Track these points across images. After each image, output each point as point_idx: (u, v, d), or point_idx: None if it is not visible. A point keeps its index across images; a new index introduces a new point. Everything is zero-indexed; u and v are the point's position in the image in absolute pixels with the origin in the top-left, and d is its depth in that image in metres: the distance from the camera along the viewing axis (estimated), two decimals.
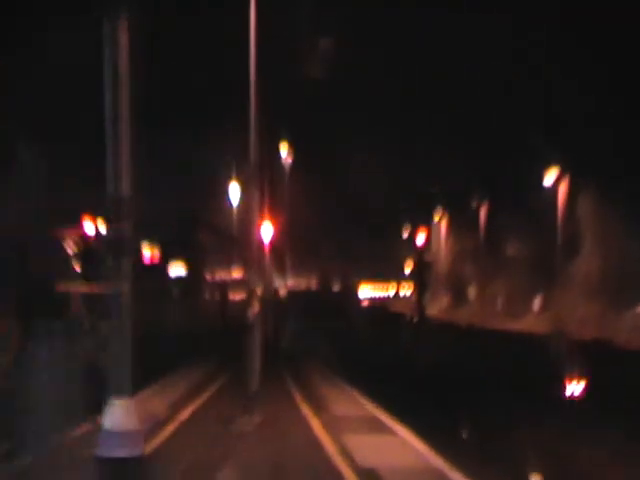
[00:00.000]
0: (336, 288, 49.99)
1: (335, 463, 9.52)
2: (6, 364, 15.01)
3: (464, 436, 13.50)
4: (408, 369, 22.03)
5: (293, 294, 44.14)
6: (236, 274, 39.53)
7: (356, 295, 49.58)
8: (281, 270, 48.26)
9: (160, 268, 34.63)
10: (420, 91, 40.40)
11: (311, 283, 52.85)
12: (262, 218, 27.61)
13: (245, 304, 13.00)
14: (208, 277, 42.64)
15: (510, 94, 35.15)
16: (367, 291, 52.89)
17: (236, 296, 35.58)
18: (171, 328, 27.85)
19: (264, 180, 26.61)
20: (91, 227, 26.16)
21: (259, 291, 15.36)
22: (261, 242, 27.17)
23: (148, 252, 34.05)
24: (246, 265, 14.00)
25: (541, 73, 32.78)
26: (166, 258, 35.96)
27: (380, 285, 53.82)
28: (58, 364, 12.79)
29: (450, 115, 40.42)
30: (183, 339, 24.62)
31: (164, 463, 9.06)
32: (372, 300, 52.52)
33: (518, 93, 34.74)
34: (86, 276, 24.66)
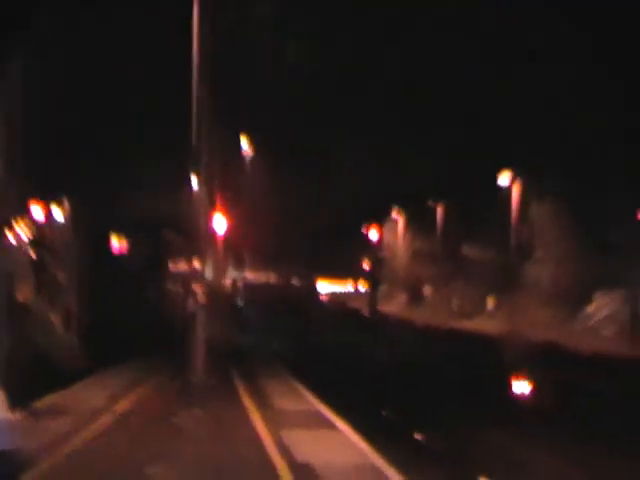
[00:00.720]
0: (296, 283, 49.92)
1: (271, 458, 9.37)
2: None
3: (405, 433, 13.44)
4: (359, 365, 22.00)
5: (251, 287, 43.90)
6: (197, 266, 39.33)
7: (315, 290, 49.55)
8: (240, 263, 47.99)
9: (127, 258, 34.52)
10: (382, 90, 40.58)
11: (271, 277, 52.71)
12: (213, 210, 27.38)
13: (186, 294, 12.70)
14: (172, 268, 42.40)
15: (470, 100, 35.54)
16: (327, 286, 52.99)
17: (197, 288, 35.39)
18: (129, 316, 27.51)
19: (212, 171, 26.39)
20: (39, 212, 25.66)
21: (205, 282, 15.14)
22: (211, 233, 26.91)
23: (116, 242, 34.14)
24: (192, 256, 13.70)
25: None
26: (133, 249, 35.92)
27: (339, 281, 53.94)
28: None
29: (409, 116, 40.68)
30: (139, 328, 24.29)
31: (91, 458, 8.85)
32: (331, 295, 52.67)
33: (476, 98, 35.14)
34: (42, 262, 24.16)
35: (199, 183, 14.91)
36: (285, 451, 9.73)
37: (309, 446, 10.08)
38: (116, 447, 9.52)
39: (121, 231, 34.28)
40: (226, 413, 12.33)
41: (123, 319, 26.93)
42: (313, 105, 42.22)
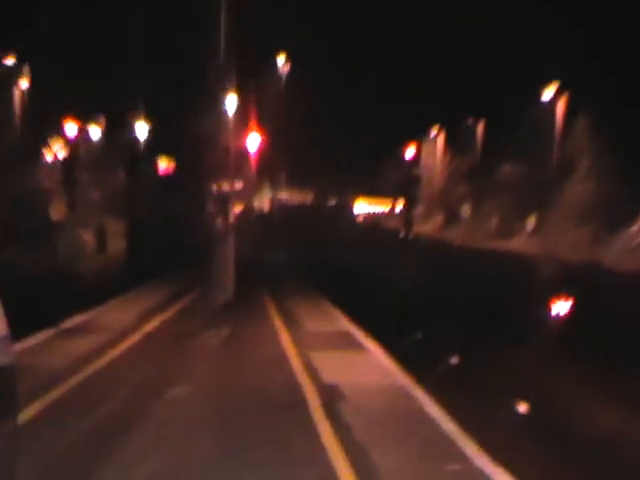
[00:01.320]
0: (332, 203, 49.57)
1: (298, 379, 9.24)
2: None
3: (436, 356, 13.23)
4: (392, 286, 21.76)
5: (285, 207, 43.67)
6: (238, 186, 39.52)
7: (351, 210, 49.17)
8: (276, 183, 47.73)
9: (173, 178, 34.97)
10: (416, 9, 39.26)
11: (307, 198, 52.42)
12: (247, 128, 26.95)
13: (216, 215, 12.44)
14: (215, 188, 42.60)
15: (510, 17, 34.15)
16: (363, 207, 52.50)
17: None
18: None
19: (246, 89, 25.82)
20: (73, 129, 25.58)
21: (238, 203, 14.85)
22: (244, 152, 26.55)
23: (164, 164, 34.53)
24: (219, 175, 13.38)
25: None
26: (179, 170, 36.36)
27: (376, 201, 53.41)
28: None
29: (447, 32, 39.32)
30: (175, 248, 24.36)
31: (117, 378, 8.80)
32: (367, 216, 52.23)
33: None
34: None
35: (223, 101, 14.42)
36: (312, 372, 9.59)
37: (337, 367, 9.93)
38: (140, 368, 9.47)
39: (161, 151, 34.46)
40: (254, 333, 12.24)
41: (159, 240, 27.10)
42: (353, 21, 41.12)
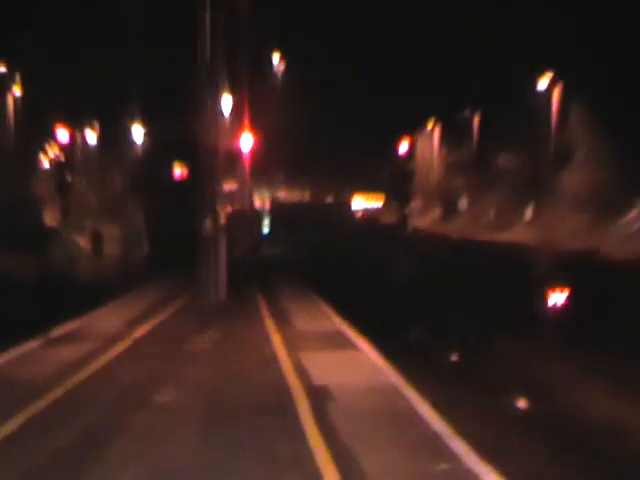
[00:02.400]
0: (329, 200, 49.51)
1: (287, 380, 9.14)
2: None
3: (430, 353, 13.12)
4: (387, 282, 21.66)
5: (282, 206, 43.56)
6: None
7: (349, 207, 49.05)
8: (273, 182, 47.61)
9: (187, 183, 35.19)
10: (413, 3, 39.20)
11: (304, 196, 52.31)
12: (240, 128, 26.83)
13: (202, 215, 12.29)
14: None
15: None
16: (360, 203, 52.43)
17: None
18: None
19: (239, 87, 25.67)
20: (65, 134, 25.53)
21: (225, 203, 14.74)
22: (237, 153, 26.44)
23: (178, 170, 34.80)
24: (206, 174, 13.24)
25: None
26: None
27: (373, 197, 53.31)
28: None
29: (440, 25, 39.25)
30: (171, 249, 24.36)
31: (102, 386, 8.69)
32: (365, 211, 52.14)
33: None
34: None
35: (213, 101, 14.28)
36: (302, 373, 9.48)
37: (328, 368, 9.83)
38: (129, 374, 9.36)
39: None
40: (245, 335, 12.13)
41: (157, 240, 27.07)
42: (346, 16, 41.02)
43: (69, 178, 23.91)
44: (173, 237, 26.36)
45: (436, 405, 8.01)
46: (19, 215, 20.58)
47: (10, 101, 31.58)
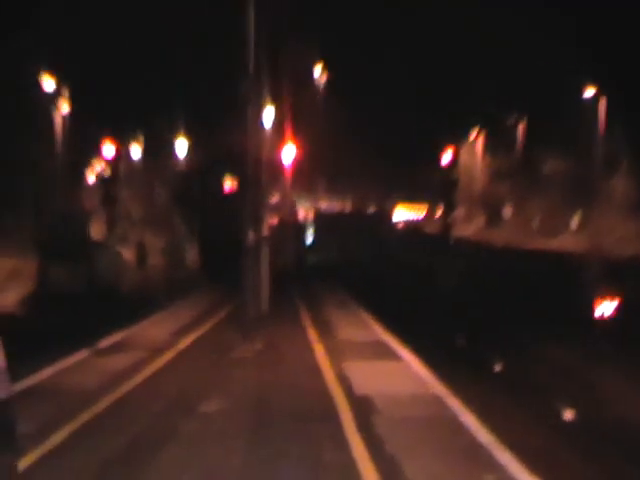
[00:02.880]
0: (371, 210, 49.41)
1: (330, 390, 9.13)
2: None
3: (476, 363, 12.96)
4: (431, 292, 21.53)
5: (325, 216, 43.64)
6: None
7: (390, 217, 48.90)
8: (314, 192, 47.75)
9: (236, 196, 35.79)
10: (450, 11, 39.05)
11: (346, 206, 52.33)
12: (283, 139, 27.00)
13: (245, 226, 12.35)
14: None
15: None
16: (402, 213, 52.25)
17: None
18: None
19: (281, 99, 25.84)
20: (111, 150, 26.04)
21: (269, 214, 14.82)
22: (279, 165, 26.60)
23: (228, 183, 35.42)
24: (248, 186, 13.33)
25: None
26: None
27: (415, 207, 53.10)
28: None
29: (485, 34, 39.02)
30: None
31: (150, 396, 8.80)
32: (407, 222, 51.93)
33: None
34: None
35: (255, 114, 14.37)
36: (346, 383, 9.47)
37: (370, 377, 9.80)
38: (175, 383, 9.47)
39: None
40: (288, 345, 12.17)
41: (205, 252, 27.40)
42: (387, 27, 41.08)
43: (114, 191, 24.33)
44: (221, 248, 26.71)
45: (481, 414, 7.92)
46: (67, 228, 21.05)
47: (58, 117, 32.30)
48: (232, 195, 34.27)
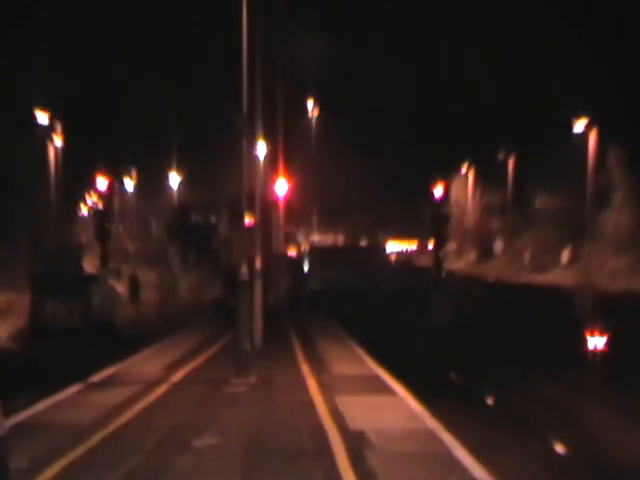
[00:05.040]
0: (363, 244, 49.62)
1: (324, 425, 9.14)
2: None
3: (468, 396, 12.99)
4: (422, 324, 21.57)
5: (317, 249, 43.77)
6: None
7: (383, 250, 49.07)
8: (308, 226, 47.92)
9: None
10: (440, 44, 39.71)
11: (339, 239, 52.51)
12: (275, 174, 27.23)
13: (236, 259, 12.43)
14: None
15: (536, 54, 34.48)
16: (394, 246, 52.51)
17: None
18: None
19: (274, 134, 26.09)
20: (104, 183, 26.23)
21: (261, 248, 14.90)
22: (271, 198, 26.80)
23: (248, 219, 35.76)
24: (241, 221, 13.43)
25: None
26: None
27: (406, 240, 53.37)
28: None
29: (475, 68, 39.64)
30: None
31: (141, 431, 8.78)
32: (398, 255, 52.17)
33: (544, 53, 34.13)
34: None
35: (245, 147, 14.48)
36: (339, 418, 9.48)
37: (364, 412, 9.80)
38: (168, 418, 9.45)
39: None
40: (282, 379, 12.17)
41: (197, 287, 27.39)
42: (378, 62, 41.70)
43: (107, 225, 24.42)
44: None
45: (474, 450, 7.95)
46: (61, 262, 21.07)
47: (52, 151, 32.48)
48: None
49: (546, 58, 36.29)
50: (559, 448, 10.03)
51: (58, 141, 32.76)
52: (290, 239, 41.39)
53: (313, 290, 30.77)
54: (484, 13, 38.22)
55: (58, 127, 32.80)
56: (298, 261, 36.98)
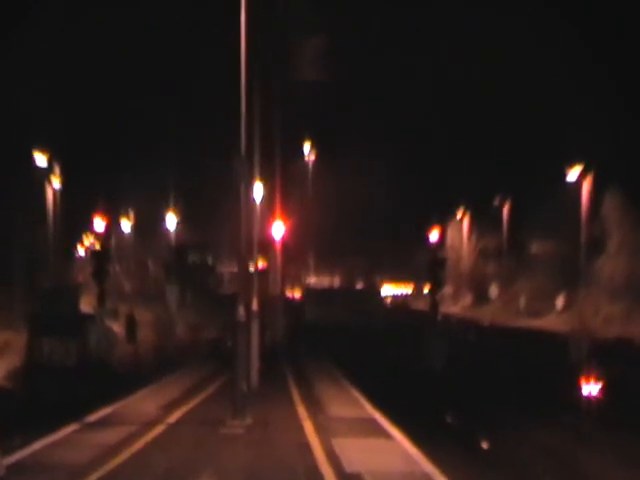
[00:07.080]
0: (359, 286, 49.71)
1: (320, 468, 9.16)
2: None
3: (465, 441, 13.02)
4: (418, 369, 21.61)
5: (313, 292, 43.86)
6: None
7: (378, 292, 49.17)
8: (304, 268, 48.04)
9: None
10: (434, 91, 40.32)
11: (334, 281, 52.61)
12: (272, 217, 27.49)
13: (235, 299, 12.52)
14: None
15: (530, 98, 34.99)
16: (389, 289, 52.62)
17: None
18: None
19: (271, 177, 26.42)
20: (101, 224, 26.41)
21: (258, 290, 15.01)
22: (268, 240, 27.02)
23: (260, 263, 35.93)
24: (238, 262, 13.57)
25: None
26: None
27: (402, 283, 53.50)
28: None
29: (469, 115, 40.21)
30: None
31: (137, 472, 8.81)
32: (394, 297, 52.24)
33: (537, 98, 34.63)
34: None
35: (242, 190, 14.67)
36: (335, 460, 9.50)
37: (360, 455, 9.83)
38: (163, 460, 9.46)
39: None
40: (278, 421, 12.19)
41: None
42: (363, 108, 42.33)
43: (105, 265, 24.55)
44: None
45: None
46: (58, 301, 21.17)
47: (50, 193, 32.71)
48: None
49: (542, 100, 36.67)
50: None
51: (56, 182, 33.01)
52: (295, 280, 41.50)
53: (308, 331, 30.84)
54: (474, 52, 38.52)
55: (56, 169, 33.08)
56: (297, 303, 37.08)
